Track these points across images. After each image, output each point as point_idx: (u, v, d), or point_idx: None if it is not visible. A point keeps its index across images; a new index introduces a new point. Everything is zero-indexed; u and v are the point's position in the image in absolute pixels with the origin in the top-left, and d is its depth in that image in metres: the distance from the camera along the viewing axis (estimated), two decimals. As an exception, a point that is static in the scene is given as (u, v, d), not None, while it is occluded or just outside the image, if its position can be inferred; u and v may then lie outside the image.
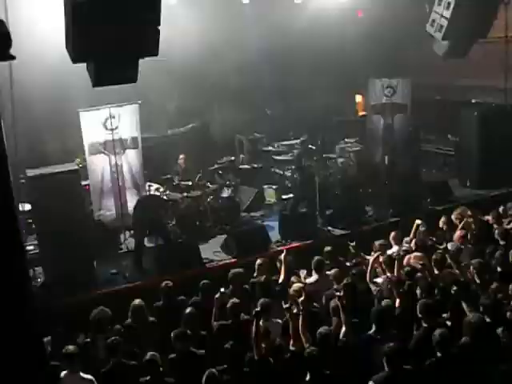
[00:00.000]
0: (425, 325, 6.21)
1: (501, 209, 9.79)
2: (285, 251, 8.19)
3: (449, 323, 6.41)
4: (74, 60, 6.23)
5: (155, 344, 6.59)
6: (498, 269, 7.60)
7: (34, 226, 9.84)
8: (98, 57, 6.16)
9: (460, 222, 9.13)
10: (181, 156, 11.78)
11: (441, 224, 9.43)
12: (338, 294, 6.56)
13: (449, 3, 10.54)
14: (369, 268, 7.69)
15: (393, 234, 8.78)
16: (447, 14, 10.60)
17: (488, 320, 6.18)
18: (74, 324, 7.42)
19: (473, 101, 14.19)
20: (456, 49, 11.46)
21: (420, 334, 6.19)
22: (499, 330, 5.98)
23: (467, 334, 5.91)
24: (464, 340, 5.89)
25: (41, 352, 4.49)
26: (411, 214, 10.69)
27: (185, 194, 11.34)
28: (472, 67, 12.99)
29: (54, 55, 10.69)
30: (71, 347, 6.23)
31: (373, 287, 7.46)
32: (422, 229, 8.85)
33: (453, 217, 9.42)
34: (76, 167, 9.59)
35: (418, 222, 8.85)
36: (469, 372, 5.63)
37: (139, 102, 11.33)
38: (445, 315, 6.63)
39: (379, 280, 7.62)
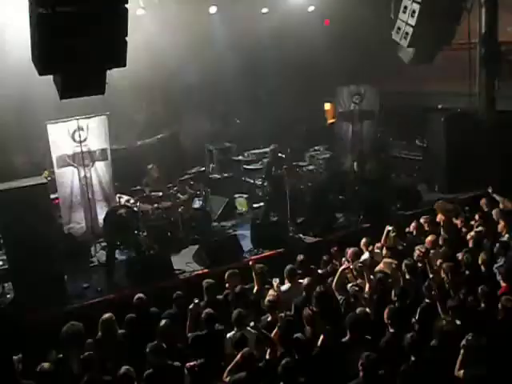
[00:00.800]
0: (391, 330, 6.27)
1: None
2: (252, 263, 8.21)
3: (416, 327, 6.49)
4: (41, 72, 6.16)
5: (129, 358, 6.50)
6: (467, 272, 7.73)
7: (1, 241, 9.71)
8: (65, 69, 6.11)
9: (428, 226, 9.32)
10: (149, 166, 11.65)
11: (411, 229, 9.54)
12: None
13: (413, 11, 10.67)
14: (336, 276, 7.73)
15: (363, 240, 8.85)
16: (412, 21, 10.74)
17: (458, 323, 6.27)
18: (46, 340, 7.27)
19: (439, 106, 14.39)
20: (422, 55, 11.64)
21: (387, 339, 6.23)
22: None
23: (437, 337, 5.99)
24: (434, 343, 5.96)
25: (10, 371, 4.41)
26: (381, 219, 10.84)
27: (155, 205, 11.25)
28: (437, 73, 13.22)
29: (20, 66, 10.75)
30: (46, 364, 6.12)
31: (338, 296, 7.46)
32: (392, 234, 8.90)
33: (422, 221, 9.57)
34: (44, 180, 9.45)
35: (388, 227, 8.92)
36: (442, 375, 5.70)
37: (107, 113, 11.27)
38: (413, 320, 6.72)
39: (348, 286, 7.66)
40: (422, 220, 9.59)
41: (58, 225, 10.55)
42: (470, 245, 8.62)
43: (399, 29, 11.14)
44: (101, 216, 10.78)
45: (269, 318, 6.67)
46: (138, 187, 11.56)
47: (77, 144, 10.82)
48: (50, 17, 5.65)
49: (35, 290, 8.58)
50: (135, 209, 10.98)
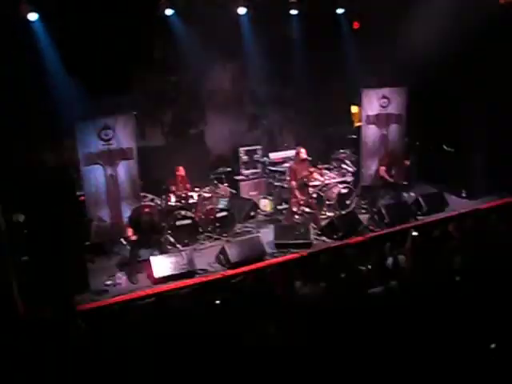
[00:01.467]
0: None
1: None
2: None
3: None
4: (69, 71, 6.22)
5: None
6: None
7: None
8: (92, 67, 6.17)
9: None
10: (178, 167, 11.72)
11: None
12: None
13: None
14: None
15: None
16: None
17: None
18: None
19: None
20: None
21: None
22: None
23: None
24: None
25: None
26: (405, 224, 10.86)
27: (180, 205, 11.32)
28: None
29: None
30: None
31: None
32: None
33: None
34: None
35: (413, 232, 8.87)
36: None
37: (135, 112, 11.35)
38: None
39: None
40: None
41: (85, 221, 10.67)
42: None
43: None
44: (125, 214, 10.84)
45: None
46: (164, 187, 11.64)
47: (103, 142, 10.94)
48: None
49: (56, 284, 8.74)
50: (160, 208, 11.08)
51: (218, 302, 7.18)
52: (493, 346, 5.83)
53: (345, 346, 6.26)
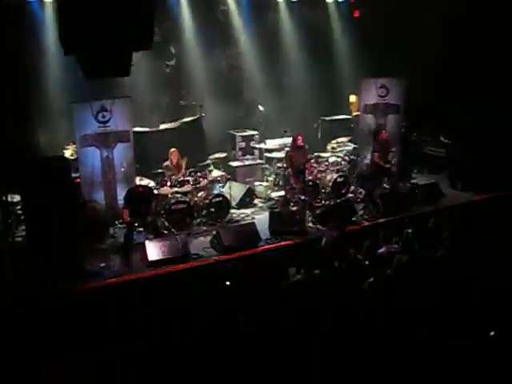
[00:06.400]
0: None
1: None
2: None
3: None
4: (66, 52, 6.15)
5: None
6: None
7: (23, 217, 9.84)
8: (89, 49, 6.10)
9: None
10: (172, 150, 11.67)
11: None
12: None
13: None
14: None
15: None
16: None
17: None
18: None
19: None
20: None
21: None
22: None
23: None
24: None
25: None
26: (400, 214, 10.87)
27: (175, 190, 11.30)
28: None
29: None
30: None
31: None
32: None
33: None
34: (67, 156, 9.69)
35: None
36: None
37: (131, 96, 11.33)
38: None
39: None
40: None
41: (79, 203, 10.64)
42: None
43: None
44: (121, 197, 10.82)
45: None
46: (159, 171, 11.64)
47: (100, 125, 10.92)
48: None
49: (53, 266, 8.72)
50: (155, 192, 11.06)
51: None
52: (492, 333, 5.86)
53: (338, 335, 6.31)
